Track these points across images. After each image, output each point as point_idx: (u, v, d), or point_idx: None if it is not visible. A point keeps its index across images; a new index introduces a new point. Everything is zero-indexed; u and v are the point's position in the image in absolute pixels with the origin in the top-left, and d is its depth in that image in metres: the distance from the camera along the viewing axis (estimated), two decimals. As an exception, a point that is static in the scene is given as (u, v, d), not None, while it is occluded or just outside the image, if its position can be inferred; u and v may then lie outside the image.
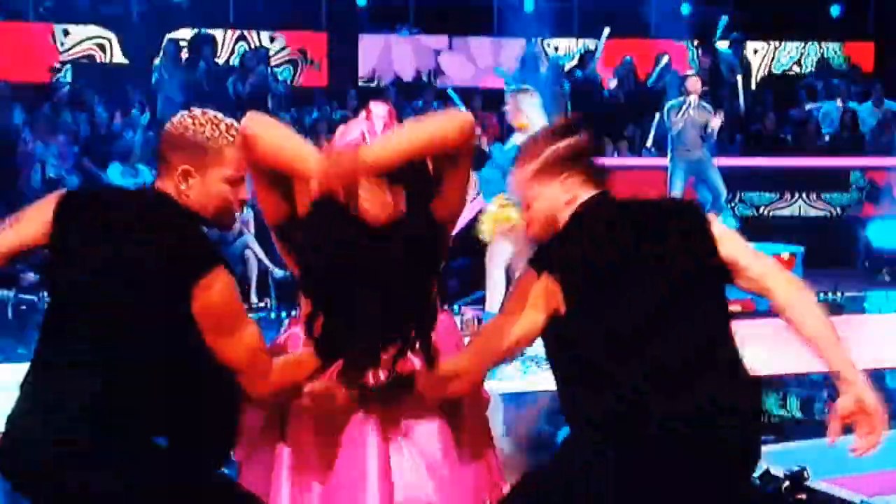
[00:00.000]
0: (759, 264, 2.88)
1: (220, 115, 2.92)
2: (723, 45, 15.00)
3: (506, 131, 13.51)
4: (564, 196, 2.89)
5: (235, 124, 2.87)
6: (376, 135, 2.87)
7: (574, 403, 2.82)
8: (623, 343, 2.74)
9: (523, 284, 2.83)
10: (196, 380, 2.84)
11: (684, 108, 10.89)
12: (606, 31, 14.34)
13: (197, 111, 2.91)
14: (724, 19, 15.01)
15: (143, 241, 2.80)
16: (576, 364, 2.80)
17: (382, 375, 2.88)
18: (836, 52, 16.53)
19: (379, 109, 2.95)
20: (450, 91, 13.10)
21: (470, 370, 2.87)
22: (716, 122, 10.83)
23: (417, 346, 2.80)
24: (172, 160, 2.86)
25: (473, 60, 15.52)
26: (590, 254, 2.80)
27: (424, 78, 15.15)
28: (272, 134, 2.80)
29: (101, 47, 14.66)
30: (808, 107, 14.42)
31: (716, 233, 2.85)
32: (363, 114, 2.96)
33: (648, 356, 2.73)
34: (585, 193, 2.90)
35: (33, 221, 2.89)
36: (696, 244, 2.83)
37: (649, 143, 11.64)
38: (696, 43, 13.85)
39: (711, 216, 2.91)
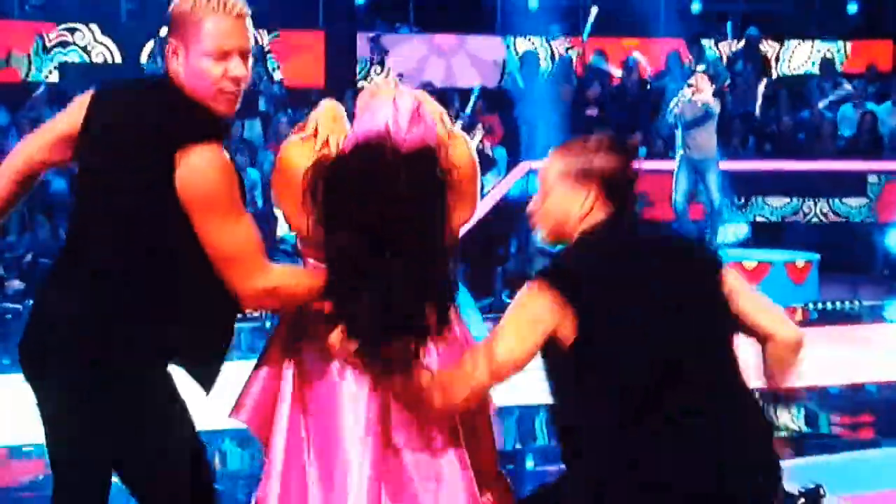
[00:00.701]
0: (766, 321, 2.94)
1: None
2: (736, 45, 15.02)
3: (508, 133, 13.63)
4: (580, 209, 2.91)
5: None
6: (401, 129, 2.81)
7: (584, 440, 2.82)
8: (636, 388, 2.74)
9: (529, 297, 2.81)
10: (193, 285, 2.83)
11: (680, 98, 10.91)
12: (594, 10, 14.20)
13: None
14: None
15: (128, 125, 2.82)
16: (587, 399, 2.79)
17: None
18: (840, 51, 16.48)
19: (406, 104, 2.87)
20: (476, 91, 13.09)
21: (467, 386, 2.84)
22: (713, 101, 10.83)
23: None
24: (168, 39, 2.87)
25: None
26: (608, 285, 2.79)
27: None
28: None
29: (72, 31, 14.63)
30: (820, 104, 14.38)
31: (729, 286, 2.88)
32: (391, 99, 2.88)
33: (664, 402, 2.74)
34: (602, 214, 2.91)
35: (74, 109, 2.94)
36: (709, 293, 2.86)
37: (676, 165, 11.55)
38: (686, 43, 13.85)
39: (726, 268, 2.93)
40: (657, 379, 2.73)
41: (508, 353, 2.79)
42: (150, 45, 14.01)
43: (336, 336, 2.87)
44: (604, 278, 2.80)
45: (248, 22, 2.86)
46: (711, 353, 2.82)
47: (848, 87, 14.31)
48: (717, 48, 15.27)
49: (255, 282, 2.81)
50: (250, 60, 2.87)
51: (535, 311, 2.78)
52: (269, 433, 3.03)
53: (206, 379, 2.94)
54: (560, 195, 2.93)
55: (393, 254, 2.78)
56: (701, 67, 11.83)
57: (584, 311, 2.75)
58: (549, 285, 2.78)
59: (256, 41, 15.00)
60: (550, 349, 2.80)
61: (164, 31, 12.70)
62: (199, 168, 2.74)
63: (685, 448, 2.73)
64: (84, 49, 14.59)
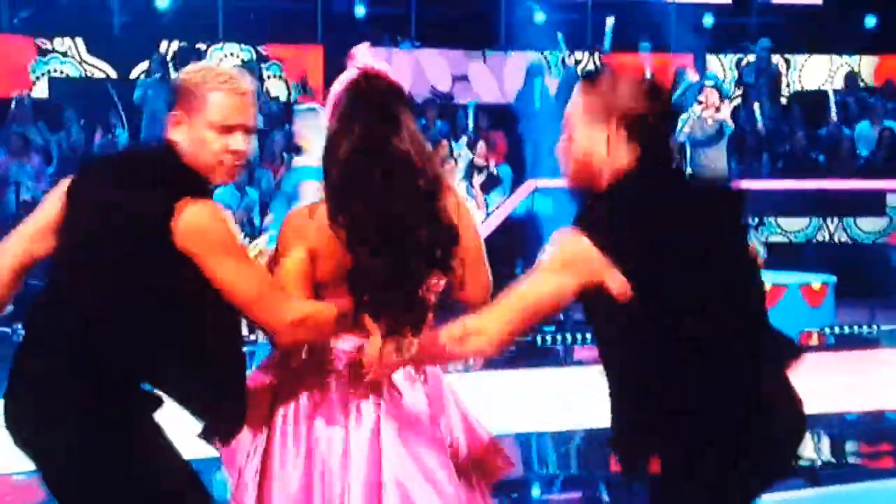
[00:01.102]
0: None
1: (223, 68, 3.01)
2: (749, 60, 15.06)
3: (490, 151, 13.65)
4: (602, 149, 2.87)
5: (236, 75, 2.97)
6: (360, 60, 3.05)
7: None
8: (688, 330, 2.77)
9: (562, 244, 2.80)
10: (200, 348, 2.87)
11: (691, 115, 10.95)
12: (610, 21, 14.26)
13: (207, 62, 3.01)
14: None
15: (122, 186, 2.88)
16: (639, 343, 2.80)
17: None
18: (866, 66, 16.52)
19: (361, 47, 3.09)
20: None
21: (494, 328, 2.85)
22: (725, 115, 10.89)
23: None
24: (172, 108, 2.97)
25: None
26: (645, 237, 2.78)
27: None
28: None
29: (50, 38, 14.67)
30: (833, 118, 14.40)
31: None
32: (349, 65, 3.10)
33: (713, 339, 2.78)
34: (628, 157, 2.86)
35: (53, 198, 2.99)
36: (740, 244, 2.92)
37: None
38: (693, 57, 13.88)
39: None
40: (704, 321, 2.78)
41: (542, 295, 2.82)
42: (145, 62, 14.06)
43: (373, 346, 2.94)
44: (641, 235, 2.78)
45: (254, 98, 3.01)
46: (748, 301, 2.88)
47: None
48: (736, 63, 15.31)
49: (285, 315, 2.89)
50: (254, 137, 3.00)
51: (571, 259, 2.78)
52: (234, 460, 3.10)
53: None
54: (581, 134, 2.90)
55: (392, 194, 2.95)
56: (710, 83, 11.86)
57: (626, 267, 2.75)
58: (587, 236, 2.77)
59: (253, 57, 15.07)
60: (595, 300, 2.82)
61: (163, 45, 12.58)
62: (202, 215, 2.81)
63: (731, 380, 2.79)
64: (64, 55, 14.65)
